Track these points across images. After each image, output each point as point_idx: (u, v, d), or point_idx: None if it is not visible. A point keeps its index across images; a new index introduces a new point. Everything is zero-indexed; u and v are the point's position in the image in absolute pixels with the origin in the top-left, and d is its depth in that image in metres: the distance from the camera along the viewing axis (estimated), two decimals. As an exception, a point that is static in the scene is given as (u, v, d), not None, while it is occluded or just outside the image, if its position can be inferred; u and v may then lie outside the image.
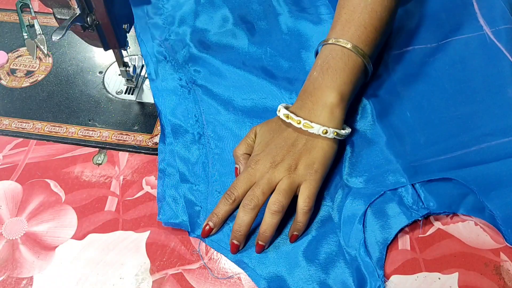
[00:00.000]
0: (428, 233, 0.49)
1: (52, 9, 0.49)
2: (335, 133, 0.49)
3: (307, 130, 0.49)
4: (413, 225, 0.49)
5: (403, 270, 0.47)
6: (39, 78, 0.62)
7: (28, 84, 0.62)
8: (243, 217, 0.47)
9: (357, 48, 0.51)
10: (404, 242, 0.48)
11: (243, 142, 0.53)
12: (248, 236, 0.48)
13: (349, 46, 0.51)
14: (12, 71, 0.63)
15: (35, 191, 0.53)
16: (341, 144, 0.53)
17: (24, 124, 0.58)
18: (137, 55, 0.64)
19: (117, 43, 0.53)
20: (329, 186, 0.51)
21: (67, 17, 0.48)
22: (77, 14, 0.47)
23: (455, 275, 0.46)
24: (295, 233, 0.48)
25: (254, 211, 0.47)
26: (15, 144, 0.57)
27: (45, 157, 0.56)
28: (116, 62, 0.62)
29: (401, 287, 0.46)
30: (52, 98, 0.60)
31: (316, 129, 0.49)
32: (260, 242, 0.47)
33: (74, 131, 0.57)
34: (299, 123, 0.49)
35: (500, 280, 0.46)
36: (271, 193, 0.48)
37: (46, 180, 0.54)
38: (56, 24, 0.51)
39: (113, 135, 0.57)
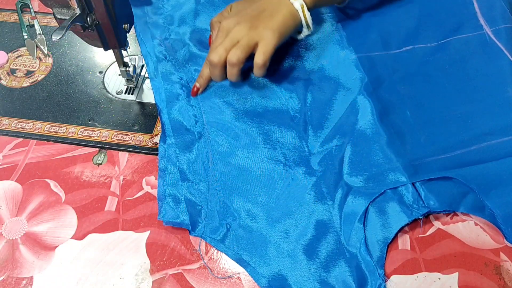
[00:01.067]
0: (428, 233, 0.49)
1: (52, 9, 0.49)
2: (302, 6, 0.55)
3: None
4: (413, 225, 0.49)
5: (403, 270, 0.47)
6: (39, 78, 0.62)
7: (28, 84, 0.62)
8: (205, 69, 0.58)
9: None
10: (404, 242, 0.48)
11: (219, 13, 0.60)
12: (251, 237, 0.49)
13: None
14: (12, 71, 0.63)
15: (35, 191, 0.53)
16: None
17: (24, 124, 0.58)
18: (137, 55, 0.64)
19: (117, 43, 0.53)
20: (329, 185, 0.51)
21: (67, 17, 0.48)
22: (77, 14, 0.47)
23: (455, 275, 0.46)
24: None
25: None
26: (15, 144, 0.57)
27: (45, 157, 0.56)
28: (116, 62, 0.62)
29: (401, 287, 0.46)
30: (52, 98, 0.60)
31: None
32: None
33: (74, 131, 0.57)
34: None
35: (500, 280, 0.46)
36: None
37: (46, 180, 0.54)
38: (56, 24, 0.51)
39: (113, 135, 0.57)
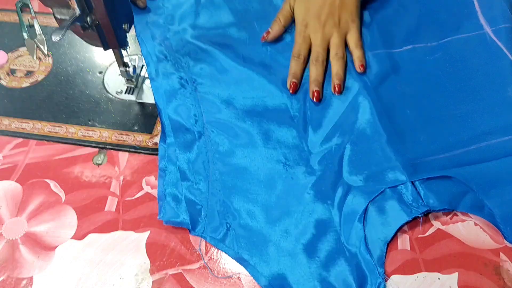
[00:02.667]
0: (427, 233, 0.49)
1: (51, 9, 0.49)
2: None
3: None
4: (412, 224, 0.49)
5: (403, 270, 0.47)
6: (39, 78, 0.62)
7: (28, 84, 0.62)
8: (316, 71, 0.59)
9: None
10: (404, 242, 0.48)
11: (283, 8, 0.64)
12: (251, 236, 0.49)
13: None
14: (12, 71, 0.63)
15: (35, 191, 0.53)
16: None
17: (24, 124, 0.58)
18: (137, 55, 0.64)
19: (117, 43, 0.53)
20: (329, 185, 0.51)
21: (67, 17, 0.48)
22: (77, 15, 0.47)
23: (455, 275, 0.46)
24: (361, 63, 0.58)
25: (323, 64, 0.59)
26: (15, 144, 0.57)
27: (45, 157, 0.56)
28: (116, 62, 0.62)
29: (401, 287, 0.46)
30: (52, 98, 0.60)
31: None
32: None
33: (74, 131, 0.57)
34: None
35: (500, 280, 0.46)
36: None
37: (46, 180, 0.54)
38: (56, 24, 0.51)
39: (113, 135, 0.57)
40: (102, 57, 0.64)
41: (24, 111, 0.59)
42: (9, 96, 0.61)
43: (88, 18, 0.49)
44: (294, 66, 0.60)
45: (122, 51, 0.56)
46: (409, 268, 0.47)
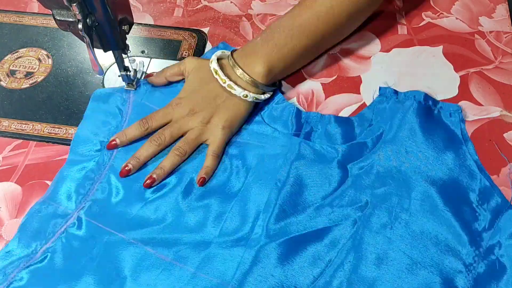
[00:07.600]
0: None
1: (51, 10, 0.49)
2: (255, 98, 0.55)
3: (230, 91, 0.54)
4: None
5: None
6: (39, 80, 0.62)
7: (28, 85, 0.62)
8: (147, 149, 0.53)
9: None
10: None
11: (175, 66, 0.58)
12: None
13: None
14: (12, 72, 0.63)
15: (35, 193, 0.53)
16: None
17: (24, 125, 0.58)
18: (137, 56, 0.64)
19: (116, 45, 0.53)
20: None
21: (67, 19, 0.48)
22: (79, 20, 0.47)
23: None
24: (203, 176, 0.52)
25: (157, 148, 0.53)
26: (15, 146, 0.57)
27: (45, 158, 0.55)
28: (115, 63, 0.61)
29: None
30: (52, 99, 0.60)
31: (238, 92, 0.54)
32: (154, 175, 0.51)
33: (73, 132, 0.57)
34: (224, 82, 0.54)
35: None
36: (179, 137, 0.54)
37: (46, 181, 0.54)
38: (56, 25, 0.51)
39: (113, 136, 0.57)
40: (102, 58, 0.64)
41: (23, 112, 0.59)
42: (9, 97, 0.61)
43: (88, 20, 0.48)
44: (133, 130, 0.54)
45: (123, 55, 0.56)
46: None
